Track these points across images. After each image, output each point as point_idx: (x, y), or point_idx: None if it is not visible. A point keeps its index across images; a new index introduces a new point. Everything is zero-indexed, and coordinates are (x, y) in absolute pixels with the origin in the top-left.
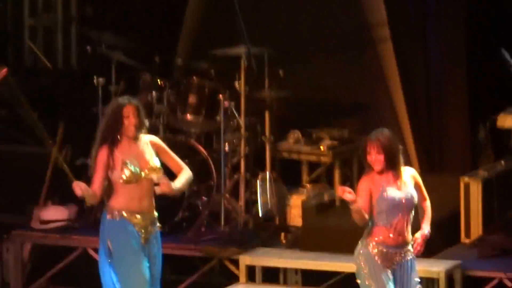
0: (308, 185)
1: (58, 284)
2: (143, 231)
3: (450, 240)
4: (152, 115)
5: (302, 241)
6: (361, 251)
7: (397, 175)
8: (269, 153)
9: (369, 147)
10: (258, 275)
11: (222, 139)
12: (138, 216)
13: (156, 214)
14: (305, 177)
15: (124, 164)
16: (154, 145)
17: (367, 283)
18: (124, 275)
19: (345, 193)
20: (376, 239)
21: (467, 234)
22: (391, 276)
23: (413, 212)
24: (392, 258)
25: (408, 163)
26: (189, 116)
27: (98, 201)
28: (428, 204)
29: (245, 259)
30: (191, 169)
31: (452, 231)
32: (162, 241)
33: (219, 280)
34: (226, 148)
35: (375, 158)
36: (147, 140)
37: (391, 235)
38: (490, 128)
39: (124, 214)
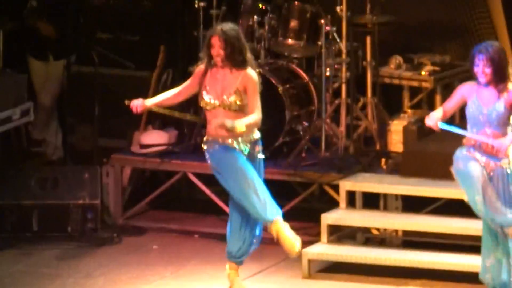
0: (409, 110)
1: (158, 208)
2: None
3: None
4: (253, 40)
5: (403, 166)
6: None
7: (501, 90)
8: (371, 78)
9: (477, 59)
10: (358, 200)
11: (324, 64)
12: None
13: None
14: (406, 102)
15: (203, 91)
16: (244, 82)
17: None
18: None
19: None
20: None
21: None
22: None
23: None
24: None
25: None
26: (290, 41)
27: (171, 103)
28: None
29: (345, 185)
30: (292, 94)
31: None
32: (263, 166)
33: (319, 205)
34: (328, 73)
35: (482, 70)
36: (243, 74)
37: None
38: None
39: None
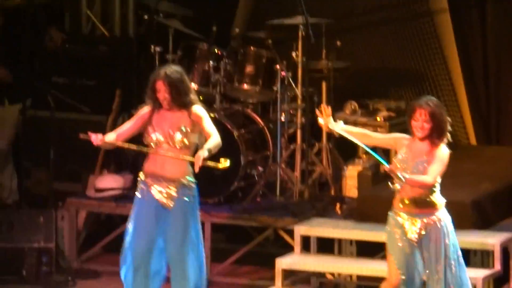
0: (364, 156)
1: (113, 251)
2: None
3: (506, 212)
4: (209, 85)
5: (357, 212)
6: None
7: (431, 147)
8: None
9: (418, 113)
10: (313, 245)
11: (279, 109)
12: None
13: (187, 179)
14: (361, 148)
15: (149, 130)
16: (194, 116)
17: None
18: None
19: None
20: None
21: None
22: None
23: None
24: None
25: (464, 134)
26: (246, 86)
27: (114, 146)
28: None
29: (300, 229)
30: (247, 139)
31: (508, 203)
32: (218, 210)
33: (274, 249)
34: (283, 118)
35: (421, 125)
36: (191, 111)
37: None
38: None
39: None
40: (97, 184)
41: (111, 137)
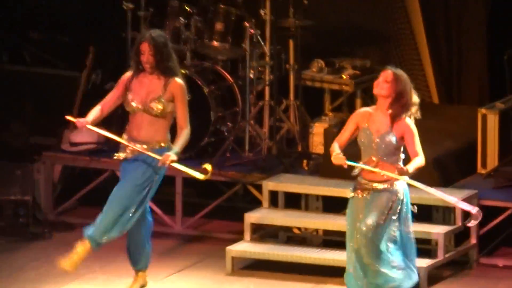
0: (330, 113)
1: (88, 204)
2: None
3: (467, 170)
4: (179, 41)
5: (324, 168)
6: None
7: (394, 118)
8: (293, 81)
9: (381, 73)
10: (281, 200)
11: (248, 66)
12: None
13: (161, 145)
14: (327, 105)
15: (128, 95)
16: (174, 88)
17: None
18: None
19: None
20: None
21: (483, 165)
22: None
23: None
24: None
25: (427, 93)
26: (215, 43)
27: (102, 117)
28: (419, 160)
29: (268, 185)
30: (217, 95)
31: (469, 161)
32: (190, 166)
33: (243, 204)
34: (251, 75)
35: (381, 86)
36: (172, 82)
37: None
38: (508, 61)
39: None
40: (72, 139)
41: (90, 118)
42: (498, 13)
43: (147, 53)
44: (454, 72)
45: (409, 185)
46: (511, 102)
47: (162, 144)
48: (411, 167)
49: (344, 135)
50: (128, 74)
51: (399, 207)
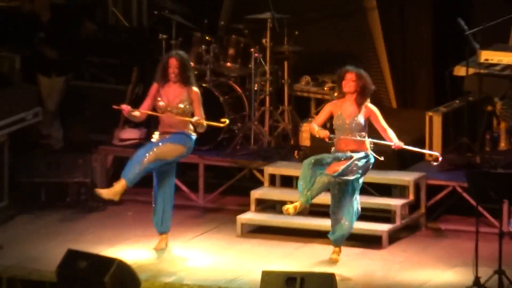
0: (314, 116)
1: (135, 186)
2: None
3: (417, 158)
4: (201, 63)
5: (310, 156)
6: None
7: (360, 105)
8: (287, 92)
9: (346, 75)
10: (278, 181)
11: (253, 81)
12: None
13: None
14: (312, 110)
15: (158, 100)
16: (193, 95)
17: None
18: None
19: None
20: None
21: (430, 154)
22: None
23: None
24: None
25: (388, 99)
26: (228, 64)
27: (141, 120)
28: (391, 131)
29: (268, 169)
30: (230, 103)
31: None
32: (209, 155)
33: (249, 184)
34: (256, 88)
35: (349, 85)
36: (190, 89)
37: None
38: (449, 75)
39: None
40: (120, 136)
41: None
42: (442, 38)
43: (173, 66)
44: (408, 83)
45: (397, 153)
46: (451, 107)
47: (185, 131)
48: (395, 137)
49: (320, 118)
50: (155, 85)
51: (370, 167)
